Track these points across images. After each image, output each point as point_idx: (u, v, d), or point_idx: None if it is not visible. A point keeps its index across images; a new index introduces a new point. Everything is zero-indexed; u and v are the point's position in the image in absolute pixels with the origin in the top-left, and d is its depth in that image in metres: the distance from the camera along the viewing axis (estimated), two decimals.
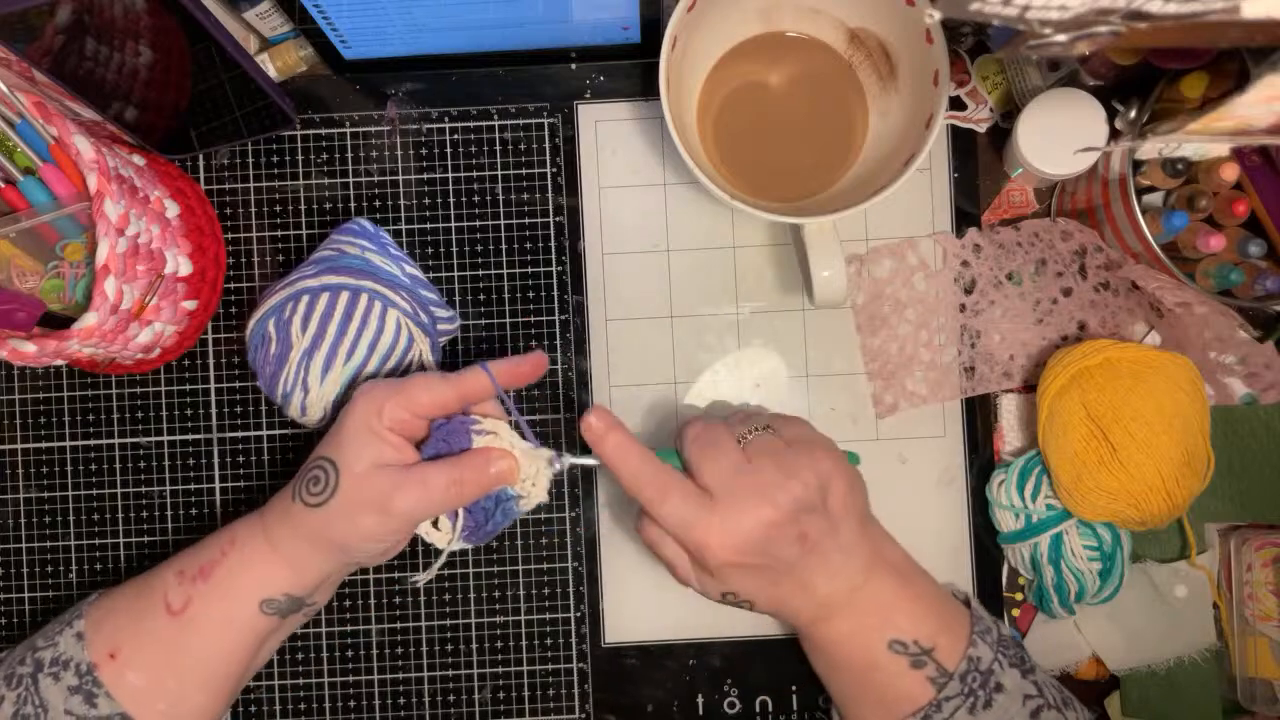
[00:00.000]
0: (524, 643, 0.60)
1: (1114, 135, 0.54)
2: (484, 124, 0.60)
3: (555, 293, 0.60)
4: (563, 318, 0.60)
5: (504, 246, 0.60)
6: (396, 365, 0.55)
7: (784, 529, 0.47)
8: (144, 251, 0.52)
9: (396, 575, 0.60)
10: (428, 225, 0.60)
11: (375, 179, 0.60)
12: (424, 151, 0.60)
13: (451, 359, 0.60)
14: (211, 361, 0.60)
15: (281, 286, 0.54)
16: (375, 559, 0.51)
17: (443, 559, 0.53)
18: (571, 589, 0.60)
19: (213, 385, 0.60)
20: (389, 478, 0.47)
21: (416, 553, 0.60)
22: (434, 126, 0.60)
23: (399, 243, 0.58)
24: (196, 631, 0.49)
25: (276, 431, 0.60)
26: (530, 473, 0.51)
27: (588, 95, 0.60)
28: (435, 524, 0.52)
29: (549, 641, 0.60)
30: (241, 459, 0.60)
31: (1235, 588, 0.57)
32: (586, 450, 0.51)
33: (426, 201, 0.60)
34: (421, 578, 0.56)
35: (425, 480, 0.48)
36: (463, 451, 0.50)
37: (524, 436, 0.51)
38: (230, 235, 0.60)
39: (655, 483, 0.48)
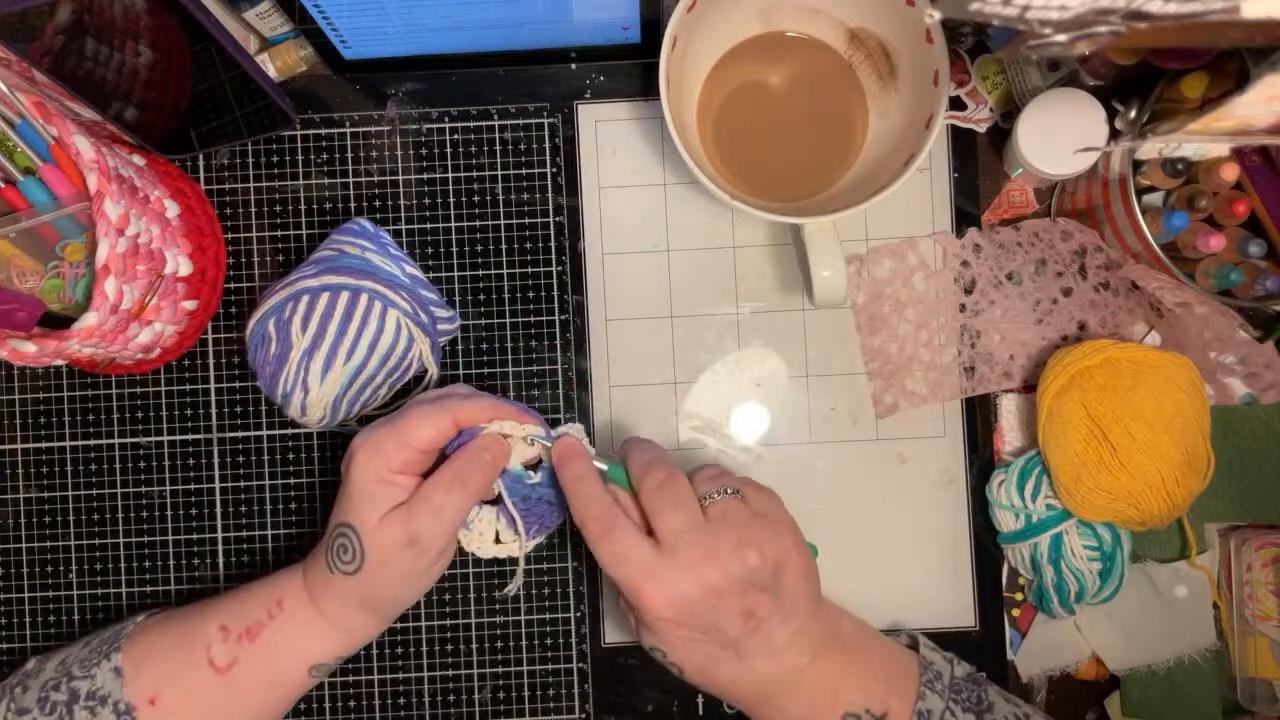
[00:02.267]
0: (524, 643, 0.60)
1: (1114, 135, 0.54)
2: (484, 124, 0.60)
3: (555, 293, 0.60)
4: (563, 318, 0.60)
5: (504, 246, 0.60)
6: (396, 365, 0.55)
7: (728, 599, 0.46)
8: (144, 251, 0.52)
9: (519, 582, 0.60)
10: (428, 225, 0.60)
11: (375, 179, 0.60)
12: (424, 151, 0.60)
13: (451, 359, 0.60)
14: (211, 361, 0.60)
15: (281, 286, 0.54)
16: (433, 582, 0.52)
17: (521, 565, 0.55)
18: (571, 589, 0.60)
19: (213, 385, 0.60)
20: (400, 516, 0.47)
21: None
22: (434, 126, 0.60)
23: (399, 243, 0.58)
24: (242, 691, 0.49)
25: (276, 431, 0.60)
26: (525, 450, 0.51)
27: (588, 95, 0.60)
28: (497, 539, 0.53)
29: (549, 641, 0.60)
30: (241, 459, 0.60)
31: (1235, 588, 0.57)
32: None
33: (426, 201, 0.60)
34: (510, 587, 0.57)
35: (428, 498, 0.48)
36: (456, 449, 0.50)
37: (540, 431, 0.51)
38: (230, 235, 0.60)
39: (600, 515, 0.47)
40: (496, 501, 0.53)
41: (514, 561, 0.57)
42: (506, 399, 0.52)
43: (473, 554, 0.54)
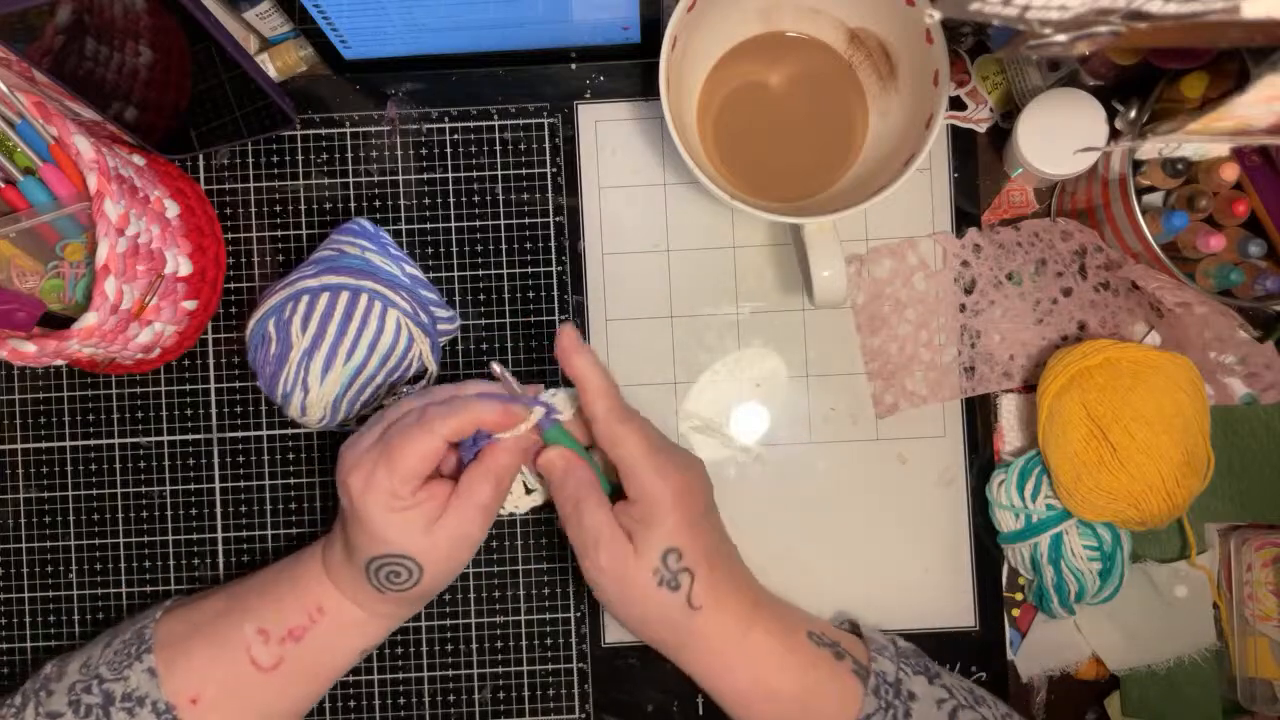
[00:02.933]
0: (524, 643, 0.60)
1: (1114, 135, 0.54)
2: (484, 124, 0.60)
3: (555, 293, 0.60)
4: (563, 318, 0.60)
5: (504, 246, 0.60)
6: (396, 365, 0.55)
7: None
8: (144, 251, 0.52)
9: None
10: (428, 225, 0.60)
11: (375, 179, 0.60)
12: (424, 151, 0.60)
13: (452, 359, 0.60)
14: (211, 361, 0.60)
15: (281, 286, 0.54)
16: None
17: (539, 499, 0.57)
18: (571, 589, 0.60)
19: (213, 385, 0.60)
20: (451, 525, 0.48)
21: None
22: (434, 126, 0.60)
23: (399, 242, 0.58)
24: (290, 684, 0.50)
25: (276, 431, 0.60)
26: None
27: (588, 95, 0.60)
28: (526, 490, 0.55)
29: (549, 641, 0.60)
30: (241, 459, 0.60)
31: (1235, 588, 0.57)
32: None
33: (426, 201, 0.60)
34: (527, 503, 0.57)
35: (479, 504, 0.48)
36: (483, 448, 0.49)
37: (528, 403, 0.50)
38: (230, 235, 0.60)
39: (614, 552, 0.48)
40: None
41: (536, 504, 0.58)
42: (485, 390, 0.50)
43: (510, 516, 0.55)
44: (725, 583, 0.50)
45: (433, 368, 0.57)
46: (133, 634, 0.51)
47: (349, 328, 0.53)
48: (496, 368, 0.50)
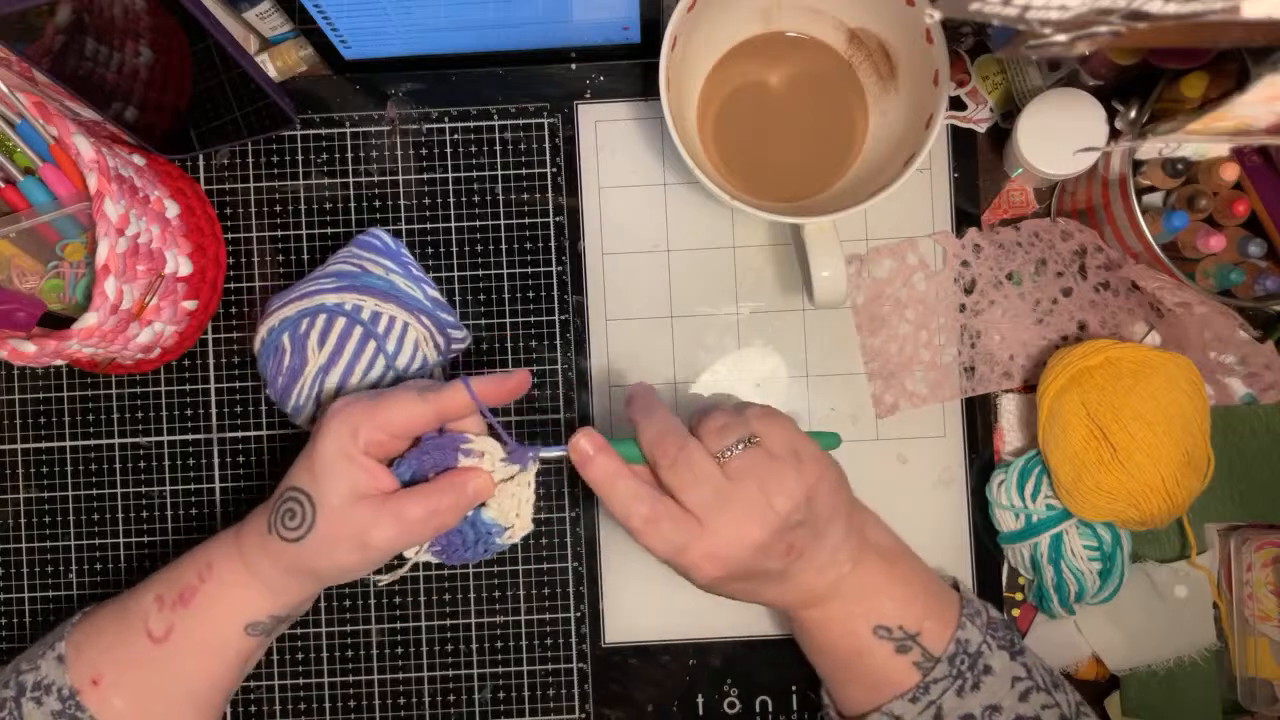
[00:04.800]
0: (524, 643, 0.60)
1: (1114, 135, 0.54)
2: (484, 124, 0.60)
3: (555, 293, 0.60)
4: (563, 318, 0.60)
5: (504, 246, 0.60)
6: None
7: (770, 546, 0.47)
8: (144, 251, 0.52)
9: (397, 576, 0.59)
10: (428, 225, 0.60)
11: (375, 179, 0.60)
12: (424, 151, 0.60)
13: (452, 363, 0.60)
14: (211, 361, 0.60)
15: (298, 296, 0.53)
16: (353, 578, 0.51)
17: (406, 568, 0.54)
18: (571, 589, 0.60)
19: (213, 385, 0.60)
20: (366, 512, 0.47)
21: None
22: (434, 126, 0.60)
23: (399, 240, 0.58)
24: (181, 657, 0.49)
25: (276, 431, 0.60)
26: (513, 504, 0.50)
27: (588, 95, 0.60)
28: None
29: (549, 641, 0.60)
30: (241, 459, 0.60)
31: (1235, 588, 0.57)
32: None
33: (426, 201, 0.60)
34: (385, 579, 0.56)
35: (402, 515, 0.47)
36: (439, 474, 0.49)
37: (504, 441, 0.50)
38: (230, 235, 0.60)
39: (643, 512, 0.47)
40: None
41: (402, 560, 0.53)
42: (494, 420, 0.50)
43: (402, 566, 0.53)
44: (851, 554, 0.50)
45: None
46: (59, 628, 0.51)
47: (367, 347, 0.53)
48: (486, 419, 0.50)
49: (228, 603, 0.49)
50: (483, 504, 0.51)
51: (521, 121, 0.60)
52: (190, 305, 0.57)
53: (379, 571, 0.54)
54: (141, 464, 0.60)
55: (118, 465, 0.60)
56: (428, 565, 0.59)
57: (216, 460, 0.60)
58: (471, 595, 0.60)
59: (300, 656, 0.59)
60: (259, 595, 0.49)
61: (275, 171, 0.60)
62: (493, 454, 0.50)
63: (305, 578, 0.49)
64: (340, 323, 0.52)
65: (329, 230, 0.60)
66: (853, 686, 0.51)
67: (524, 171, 0.60)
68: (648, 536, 0.47)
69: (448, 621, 0.60)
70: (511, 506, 0.51)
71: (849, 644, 0.50)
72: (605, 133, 0.60)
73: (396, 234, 0.59)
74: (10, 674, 0.50)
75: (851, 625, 0.50)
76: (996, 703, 0.48)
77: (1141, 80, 0.53)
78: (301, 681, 0.59)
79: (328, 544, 0.47)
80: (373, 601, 0.60)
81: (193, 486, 0.60)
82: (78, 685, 0.48)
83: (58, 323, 0.51)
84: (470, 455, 0.49)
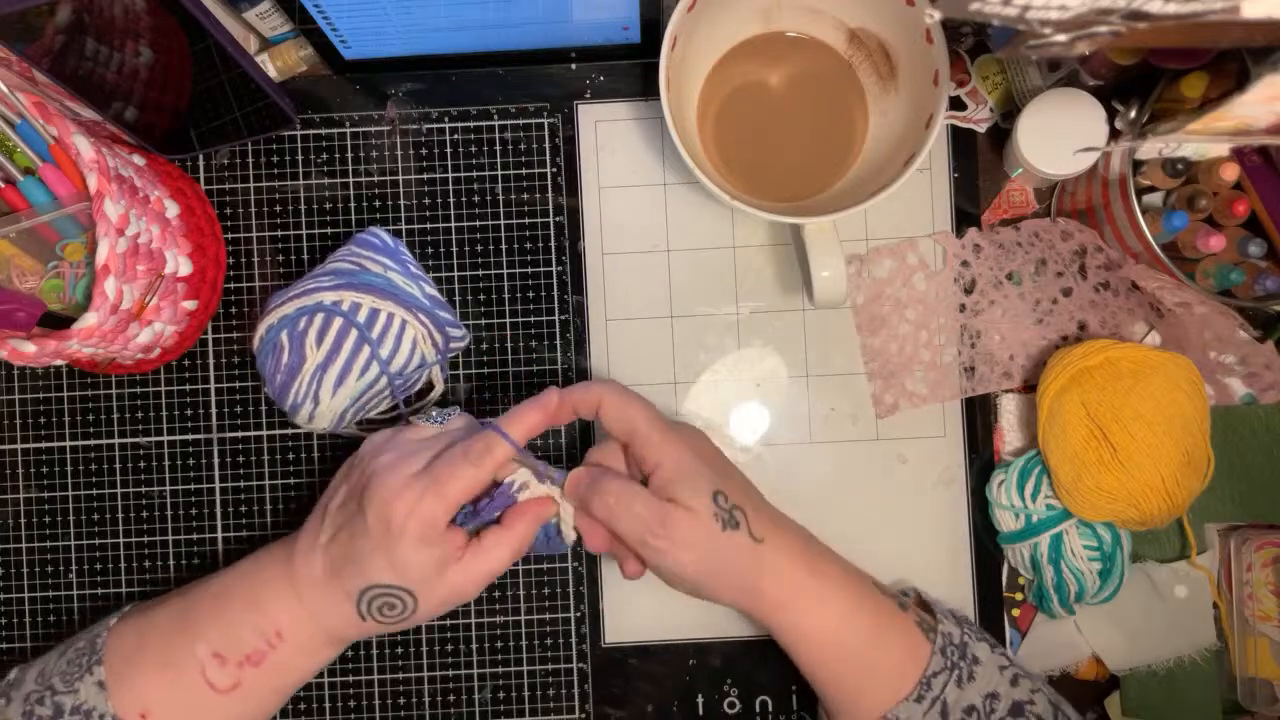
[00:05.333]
0: (524, 643, 0.60)
1: (1114, 135, 0.54)
2: (484, 124, 0.60)
3: (555, 293, 0.60)
4: (563, 318, 0.60)
5: (504, 246, 0.60)
6: (406, 382, 0.55)
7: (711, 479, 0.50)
8: (144, 251, 0.52)
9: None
10: (428, 225, 0.60)
11: (375, 179, 0.60)
12: (424, 151, 0.60)
13: (452, 362, 0.60)
14: (211, 361, 0.60)
15: (296, 294, 0.53)
16: None
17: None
18: (571, 589, 0.60)
19: (213, 385, 0.60)
20: (460, 578, 0.49)
21: None
22: (434, 126, 0.60)
23: (399, 240, 0.58)
24: (246, 704, 0.50)
25: (276, 431, 0.60)
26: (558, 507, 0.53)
27: (588, 95, 0.60)
28: None
29: (549, 641, 0.60)
30: (241, 459, 0.60)
31: (1235, 588, 0.57)
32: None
33: (426, 201, 0.60)
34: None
35: (489, 570, 0.49)
36: (506, 511, 0.51)
37: (540, 477, 0.52)
38: (230, 235, 0.60)
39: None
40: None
41: None
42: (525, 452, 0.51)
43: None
44: (773, 519, 0.52)
45: (440, 385, 0.57)
46: (86, 643, 0.51)
47: (364, 345, 0.53)
48: (518, 460, 0.51)
49: (305, 660, 0.51)
50: None
51: (521, 121, 0.60)
52: (190, 305, 0.57)
53: (481, 602, 0.60)
54: (141, 464, 0.60)
55: (118, 465, 0.60)
56: None
57: (216, 460, 0.60)
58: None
59: None
60: (335, 652, 0.52)
61: (275, 171, 0.60)
62: (534, 483, 0.51)
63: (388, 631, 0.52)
64: (338, 321, 0.52)
65: (329, 230, 0.60)
66: (864, 682, 0.50)
67: (524, 171, 0.60)
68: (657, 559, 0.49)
69: (448, 621, 0.60)
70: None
71: (857, 620, 0.50)
72: (605, 133, 0.60)
73: (396, 234, 0.59)
74: (41, 689, 0.49)
75: (854, 586, 0.51)
76: (993, 690, 0.49)
77: (1141, 80, 0.53)
78: None
79: (429, 612, 0.50)
80: None
81: (193, 486, 0.60)
82: (123, 716, 0.48)
83: (58, 323, 0.51)
84: (521, 490, 0.51)
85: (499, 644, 0.60)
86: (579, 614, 0.60)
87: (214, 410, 0.60)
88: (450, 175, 0.60)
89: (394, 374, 0.54)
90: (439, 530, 0.48)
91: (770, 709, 0.59)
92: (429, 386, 0.58)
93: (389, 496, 0.47)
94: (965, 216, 0.60)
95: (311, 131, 0.60)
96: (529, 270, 0.60)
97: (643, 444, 0.50)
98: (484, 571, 0.49)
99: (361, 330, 0.52)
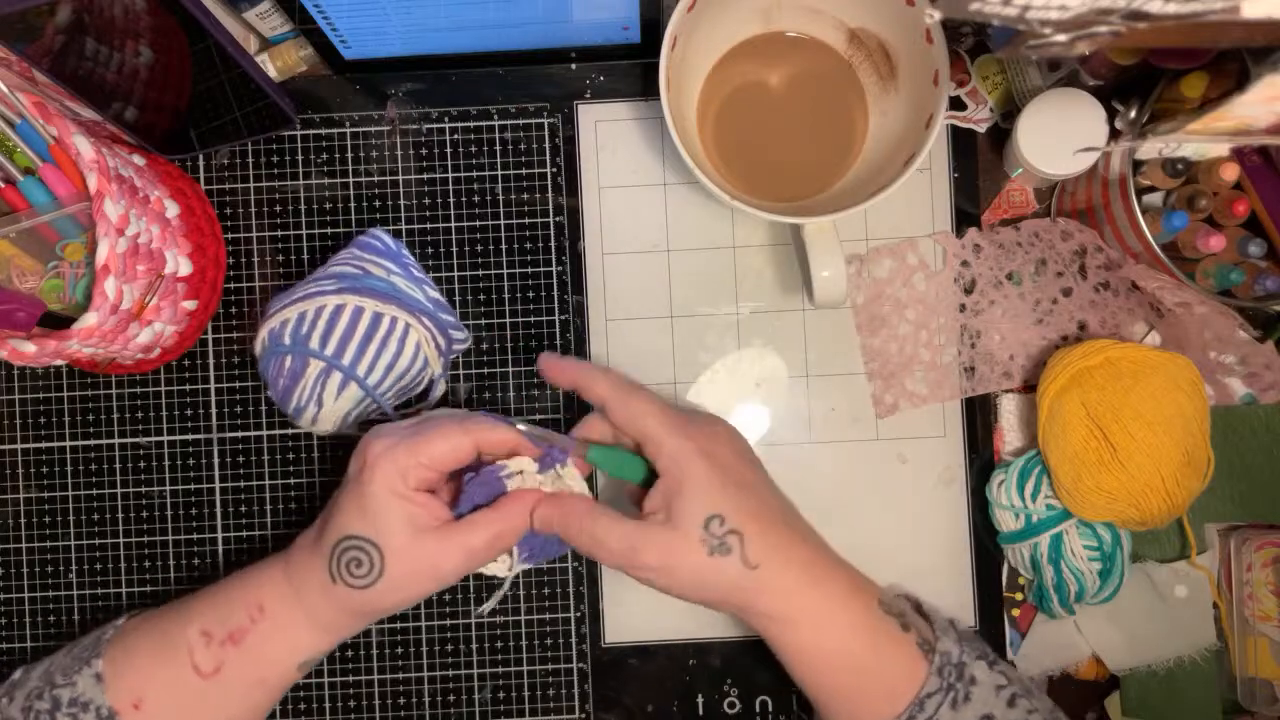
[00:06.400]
0: (524, 643, 0.60)
1: (1114, 135, 0.54)
2: (484, 124, 0.60)
3: (555, 293, 0.60)
4: (563, 318, 0.60)
5: (504, 246, 0.60)
6: (409, 384, 0.55)
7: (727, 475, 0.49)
8: (144, 251, 0.52)
9: (495, 602, 0.60)
10: (428, 225, 0.60)
11: (375, 179, 0.60)
12: (424, 151, 0.60)
13: (452, 363, 0.60)
14: (211, 361, 0.60)
15: (298, 298, 0.53)
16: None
17: (505, 588, 0.57)
18: (571, 589, 0.60)
19: (213, 385, 0.60)
20: (433, 546, 0.47)
21: None
22: (434, 126, 0.60)
23: (399, 241, 0.58)
24: (229, 692, 0.49)
25: (276, 431, 0.60)
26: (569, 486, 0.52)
27: (588, 95, 0.60)
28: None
29: (549, 641, 0.60)
30: (241, 459, 0.60)
31: (1235, 588, 0.57)
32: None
33: (426, 201, 0.60)
34: (485, 607, 0.58)
35: (468, 545, 0.48)
36: (496, 499, 0.50)
37: (539, 446, 0.51)
38: (230, 235, 0.60)
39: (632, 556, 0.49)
40: None
41: (500, 581, 0.58)
42: (523, 427, 0.51)
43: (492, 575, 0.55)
44: (780, 538, 0.49)
45: (442, 387, 0.57)
46: (92, 639, 0.51)
47: (368, 349, 0.53)
48: (523, 427, 0.50)
49: (283, 643, 0.49)
50: None
51: (521, 121, 0.60)
52: (190, 305, 0.57)
53: (480, 601, 0.59)
54: (141, 464, 0.60)
55: (118, 465, 0.60)
56: None
57: (216, 460, 0.60)
58: (471, 595, 0.60)
59: None
60: (316, 636, 0.50)
61: (275, 171, 0.60)
62: (529, 470, 0.51)
63: (371, 616, 0.50)
64: (344, 321, 0.52)
65: (329, 230, 0.60)
66: (858, 699, 0.49)
67: (524, 171, 0.60)
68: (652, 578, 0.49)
69: (448, 621, 0.60)
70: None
71: (854, 639, 0.48)
72: (605, 133, 0.60)
73: (396, 234, 0.59)
74: (42, 684, 0.49)
75: (856, 603, 0.49)
76: (989, 712, 0.48)
77: (1141, 80, 0.53)
78: (301, 681, 0.59)
79: (401, 583, 0.48)
80: None
81: (193, 486, 0.60)
82: (118, 707, 0.48)
83: (58, 323, 0.51)
84: (512, 478, 0.51)
85: (499, 644, 0.60)
86: (579, 614, 0.60)
87: (214, 410, 0.60)
88: (450, 175, 0.60)
89: (388, 385, 0.54)
90: (408, 483, 0.47)
91: (770, 709, 0.59)
92: (429, 388, 0.58)
93: (365, 443, 0.48)
94: (965, 216, 0.60)
95: (311, 131, 0.60)
96: (529, 270, 0.60)
97: (654, 450, 0.49)
98: (462, 547, 0.48)
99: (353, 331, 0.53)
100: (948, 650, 0.49)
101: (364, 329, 0.53)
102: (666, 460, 0.48)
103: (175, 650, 0.49)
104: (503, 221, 0.60)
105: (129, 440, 0.60)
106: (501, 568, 0.53)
